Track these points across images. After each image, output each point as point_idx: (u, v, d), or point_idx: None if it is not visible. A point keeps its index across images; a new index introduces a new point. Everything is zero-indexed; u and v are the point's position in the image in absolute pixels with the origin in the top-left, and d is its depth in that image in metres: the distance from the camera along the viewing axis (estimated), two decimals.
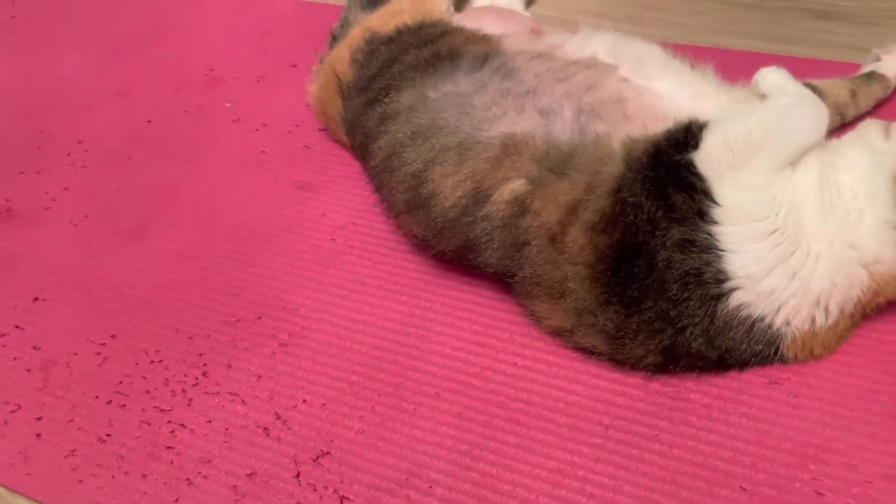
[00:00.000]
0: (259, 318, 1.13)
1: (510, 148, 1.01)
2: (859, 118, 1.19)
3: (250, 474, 0.98)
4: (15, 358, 1.15)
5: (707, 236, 0.90)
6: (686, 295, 0.91)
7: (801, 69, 1.20)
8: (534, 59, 1.13)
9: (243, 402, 1.04)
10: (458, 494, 0.92)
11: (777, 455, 0.89)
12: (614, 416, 0.95)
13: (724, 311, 0.91)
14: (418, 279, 1.14)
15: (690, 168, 0.92)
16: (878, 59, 1.25)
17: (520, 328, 1.05)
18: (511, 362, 1.02)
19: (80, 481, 1.00)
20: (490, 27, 1.22)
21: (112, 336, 1.15)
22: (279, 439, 1.00)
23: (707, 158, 0.92)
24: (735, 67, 1.14)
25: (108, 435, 1.04)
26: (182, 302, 1.18)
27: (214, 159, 1.40)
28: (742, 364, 0.95)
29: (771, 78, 1.04)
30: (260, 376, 1.07)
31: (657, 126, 0.99)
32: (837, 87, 1.19)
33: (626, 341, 0.94)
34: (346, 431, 0.99)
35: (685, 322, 0.91)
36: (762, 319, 0.92)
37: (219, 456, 1.00)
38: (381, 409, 1.01)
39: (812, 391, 0.93)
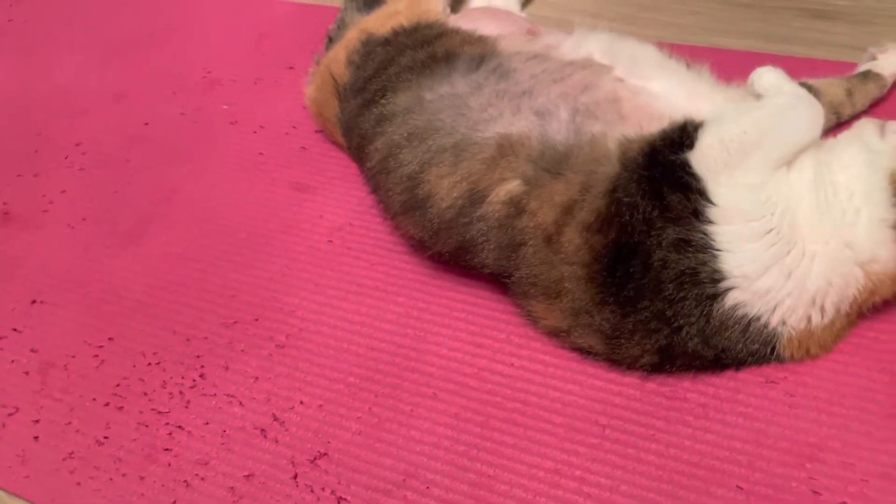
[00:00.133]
0: (256, 319, 1.14)
1: (506, 148, 1.01)
2: (855, 117, 1.19)
3: (248, 476, 0.98)
4: (13, 361, 1.16)
5: (703, 236, 0.90)
6: (682, 294, 0.91)
7: (798, 68, 1.20)
8: (530, 60, 1.13)
9: (241, 403, 1.05)
10: (456, 495, 0.92)
11: (773, 454, 0.89)
12: (611, 415, 0.95)
13: (720, 311, 0.91)
14: (415, 280, 1.14)
15: (686, 168, 0.92)
16: (874, 58, 1.25)
17: (516, 328, 1.05)
18: (508, 363, 1.02)
19: (78, 483, 1.00)
20: (486, 28, 1.22)
21: (110, 338, 1.15)
22: (276, 441, 1.00)
23: (702, 158, 0.92)
24: (731, 67, 1.14)
25: (105, 437, 1.04)
26: (179, 304, 1.18)
27: (212, 161, 1.40)
28: (738, 363, 0.95)
29: (767, 78, 1.05)
30: (257, 378, 1.07)
31: (653, 126, 0.99)
32: (833, 86, 1.19)
33: (623, 341, 0.95)
34: (343, 432, 1.00)
35: (681, 322, 0.91)
36: (758, 319, 0.92)
37: (216, 458, 1.00)
38: (379, 410, 1.01)
39: (808, 390, 0.94)
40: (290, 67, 1.54)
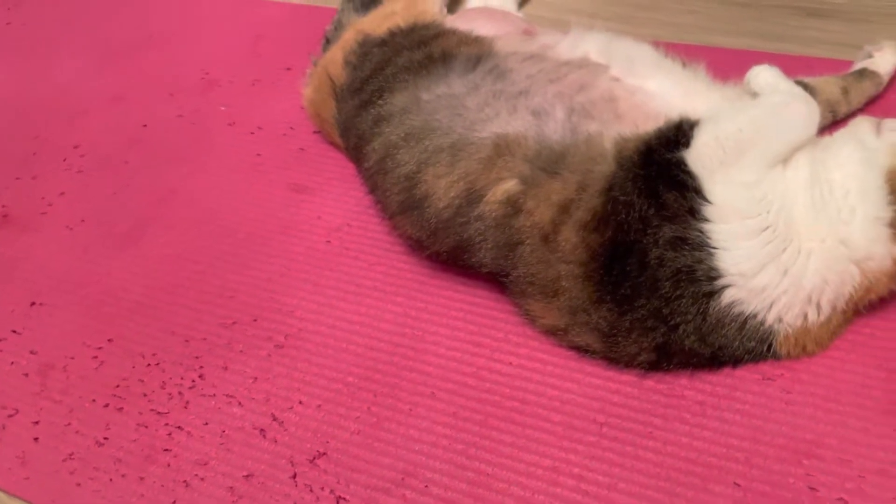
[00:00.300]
0: (255, 320, 1.14)
1: (502, 148, 1.01)
2: (851, 115, 1.19)
3: (247, 476, 0.98)
4: (12, 362, 1.16)
5: (699, 234, 0.91)
6: (678, 292, 0.91)
7: (794, 67, 1.21)
8: (526, 60, 1.14)
9: (240, 403, 1.05)
10: (454, 493, 0.92)
11: (770, 451, 0.90)
12: (609, 413, 0.96)
13: (717, 309, 0.91)
14: (413, 280, 1.14)
15: (681, 166, 0.92)
16: (869, 56, 1.25)
17: (514, 327, 1.05)
18: (506, 361, 1.03)
19: (78, 484, 1.00)
20: (482, 28, 1.22)
21: (109, 340, 1.16)
22: (276, 441, 1.00)
23: (698, 156, 0.93)
24: (727, 66, 1.15)
25: (105, 438, 1.05)
26: (178, 305, 1.18)
27: (210, 163, 1.40)
28: (735, 361, 0.96)
29: (763, 76, 1.05)
30: (256, 378, 1.07)
31: (648, 125, 0.99)
32: (829, 84, 1.19)
33: (620, 339, 0.95)
34: (342, 432, 1.00)
35: (678, 319, 0.92)
36: (754, 316, 0.92)
37: (215, 458, 1.00)
38: (377, 409, 1.01)
39: (805, 387, 0.94)
40: (288, 69, 1.54)
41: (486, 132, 1.04)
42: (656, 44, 1.18)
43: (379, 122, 1.14)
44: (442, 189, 1.03)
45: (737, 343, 0.94)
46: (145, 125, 1.50)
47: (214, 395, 1.06)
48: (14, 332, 1.20)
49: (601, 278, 0.94)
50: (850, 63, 1.27)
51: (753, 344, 0.94)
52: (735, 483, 0.88)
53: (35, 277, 1.27)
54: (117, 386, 1.10)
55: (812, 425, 0.91)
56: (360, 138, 1.18)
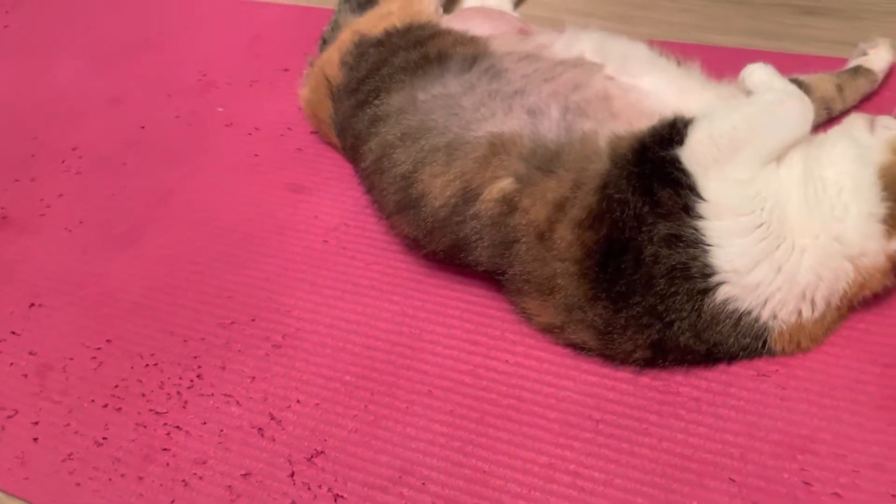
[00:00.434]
0: (253, 320, 1.14)
1: (498, 147, 1.02)
2: (846, 112, 1.20)
3: (245, 474, 0.98)
4: (11, 364, 1.16)
5: (693, 231, 0.91)
6: (673, 289, 0.92)
7: (789, 65, 1.21)
8: (521, 59, 1.14)
9: (238, 403, 1.05)
10: (451, 490, 0.93)
11: (765, 446, 0.90)
12: (605, 410, 0.96)
13: (711, 306, 0.92)
14: (410, 279, 1.15)
15: (676, 164, 0.93)
16: (864, 54, 1.26)
17: (511, 325, 1.06)
18: (502, 359, 1.03)
19: (78, 484, 1.01)
20: (478, 28, 1.23)
21: (107, 340, 1.16)
22: (273, 439, 1.01)
23: (692, 154, 0.93)
24: (722, 64, 1.15)
25: (104, 438, 1.05)
26: (176, 305, 1.19)
27: (208, 164, 1.41)
28: (730, 357, 0.96)
29: (757, 74, 1.05)
30: (254, 377, 1.08)
31: (643, 123, 0.99)
32: (824, 81, 1.20)
33: (615, 336, 0.95)
34: (339, 431, 1.00)
35: (673, 316, 0.92)
36: (749, 313, 0.93)
37: (214, 457, 1.01)
38: (375, 407, 1.02)
39: (800, 383, 0.94)
40: (285, 69, 1.54)
41: (482, 131, 1.04)
42: (652, 42, 1.18)
43: (375, 122, 1.15)
44: (438, 188, 1.04)
45: (732, 339, 0.94)
46: (143, 127, 1.51)
47: (213, 394, 1.07)
48: (13, 333, 1.20)
49: (596, 276, 0.94)
50: (845, 60, 1.27)
51: (748, 340, 0.94)
52: (730, 478, 0.88)
53: (34, 279, 1.28)
54: (116, 386, 1.10)
55: (807, 421, 0.91)
56: (357, 138, 1.18)
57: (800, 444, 0.90)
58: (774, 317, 0.94)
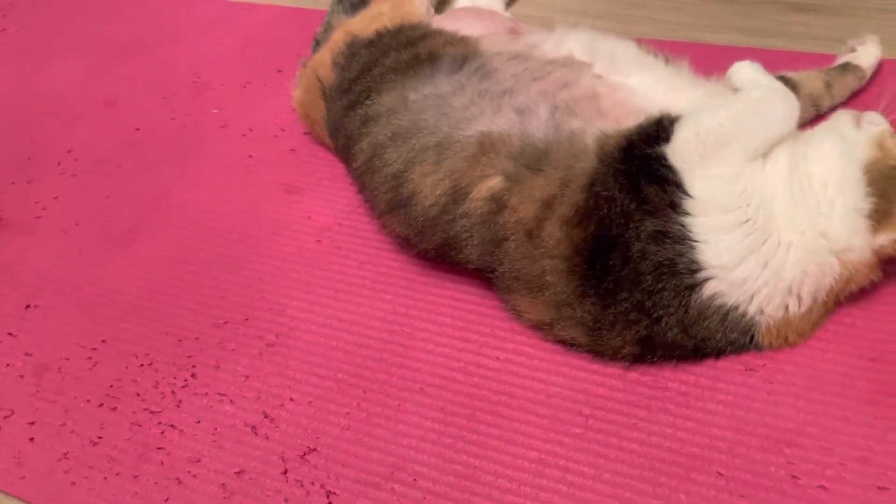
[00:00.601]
0: (246, 319, 1.15)
1: (487, 146, 1.02)
2: (835, 109, 1.20)
3: (239, 472, 0.99)
4: (8, 364, 1.17)
5: (680, 227, 0.92)
6: (660, 285, 0.92)
7: (779, 62, 1.22)
8: (511, 59, 1.15)
9: (231, 401, 1.06)
10: (442, 486, 0.94)
11: (753, 440, 0.91)
12: (594, 406, 0.97)
13: (698, 301, 0.93)
14: (402, 278, 1.15)
15: (662, 161, 0.94)
16: (853, 50, 1.27)
17: (501, 323, 1.07)
18: (493, 356, 1.04)
19: (73, 483, 1.02)
20: (468, 28, 1.24)
21: (103, 341, 1.17)
22: (267, 437, 1.02)
23: (678, 151, 0.94)
24: (714, 62, 1.15)
25: (99, 437, 1.06)
26: (171, 305, 1.20)
27: (202, 165, 1.42)
28: (718, 352, 0.97)
29: (744, 72, 1.06)
30: (248, 376, 1.09)
31: (630, 122, 1.00)
32: (812, 78, 1.21)
33: (604, 332, 0.96)
34: (332, 428, 1.01)
35: (660, 312, 0.93)
36: (736, 308, 0.94)
37: (208, 455, 1.02)
38: (367, 405, 1.03)
39: (787, 377, 0.95)
40: (279, 70, 1.55)
41: (472, 131, 1.05)
42: (643, 41, 1.19)
43: (367, 123, 1.15)
44: (428, 187, 1.05)
45: (719, 335, 0.95)
46: (138, 129, 1.52)
47: (207, 393, 1.08)
48: (10, 334, 1.21)
49: (585, 273, 0.95)
50: (834, 57, 1.28)
51: (736, 335, 0.95)
52: (718, 472, 0.89)
53: (30, 280, 1.29)
54: (111, 386, 1.11)
55: (794, 414, 0.92)
56: (349, 138, 1.19)
57: (787, 438, 0.90)
58: (761, 312, 0.94)
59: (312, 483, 0.97)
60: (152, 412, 1.07)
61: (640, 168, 0.94)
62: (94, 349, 1.16)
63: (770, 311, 0.95)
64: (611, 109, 1.05)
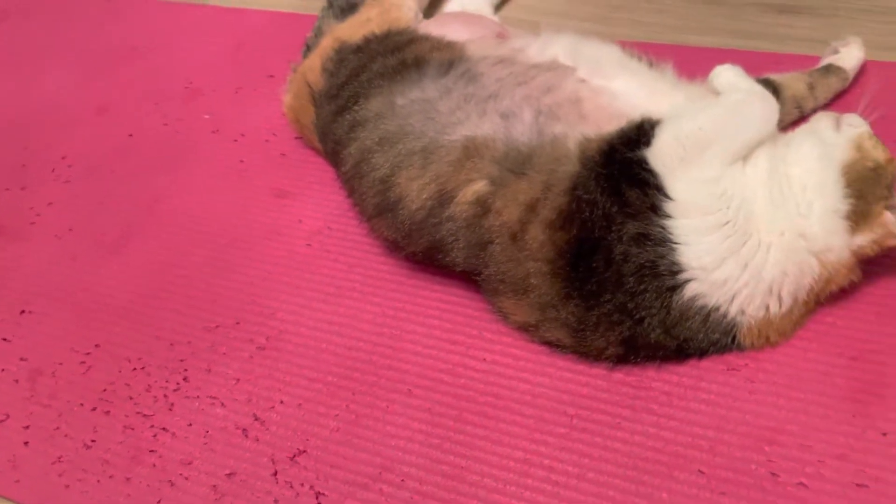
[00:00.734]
0: (237, 323, 1.17)
1: (472, 151, 1.04)
2: (819, 110, 1.22)
3: (230, 474, 1.01)
4: (3, 369, 1.19)
5: (661, 230, 0.94)
6: (642, 287, 0.94)
7: (764, 64, 1.24)
8: (496, 63, 1.16)
9: (223, 404, 1.08)
10: (429, 486, 0.95)
11: (734, 438, 0.92)
12: (579, 406, 0.99)
13: (680, 302, 0.94)
14: (391, 280, 1.17)
15: (643, 164, 0.95)
16: (836, 52, 1.28)
17: (488, 325, 1.08)
18: (480, 358, 1.06)
19: (67, 486, 1.03)
20: (454, 34, 1.25)
21: (96, 345, 1.19)
22: (257, 440, 1.03)
23: (659, 154, 0.96)
24: (699, 64, 1.17)
25: (93, 441, 1.08)
26: (163, 310, 1.21)
27: (195, 170, 1.43)
28: (701, 352, 0.99)
29: (724, 76, 1.07)
30: (238, 379, 1.10)
31: (612, 125, 1.02)
32: (796, 80, 1.22)
33: (588, 334, 0.98)
34: (321, 430, 1.03)
35: (643, 313, 0.95)
36: (717, 309, 0.95)
37: (199, 457, 1.03)
38: (356, 407, 1.04)
39: (768, 376, 0.97)
40: (270, 76, 1.57)
41: (457, 135, 1.07)
42: (628, 44, 1.21)
43: (355, 128, 1.17)
44: (415, 191, 1.06)
45: (701, 335, 0.96)
46: (131, 135, 1.53)
47: (198, 396, 1.09)
48: (4, 339, 1.23)
49: (568, 275, 0.97)
50: (818, 59, 1.29)
51: (717, 336, 0.97)
52: (699, 470, 0.91)
53: (24, 286, 1.30)
54: (104, 390, 1.13)
55: (774, 413, 0.94)
56: (338, 143, 1.21)
57: (768, 436, 0.92)
58: (742, 312, 0.96)
59: (302, 484, 0.98)
60: (145, 415, 1.09)
61: (621, 171, 0.95)
62: (88, 354, 1.18)
63: (751, 312, 0.96)
64: (593, 113, 1.07)
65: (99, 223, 1.38)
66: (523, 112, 1.07)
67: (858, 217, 0.95)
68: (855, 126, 1.00)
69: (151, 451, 1.05)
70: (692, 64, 1.18)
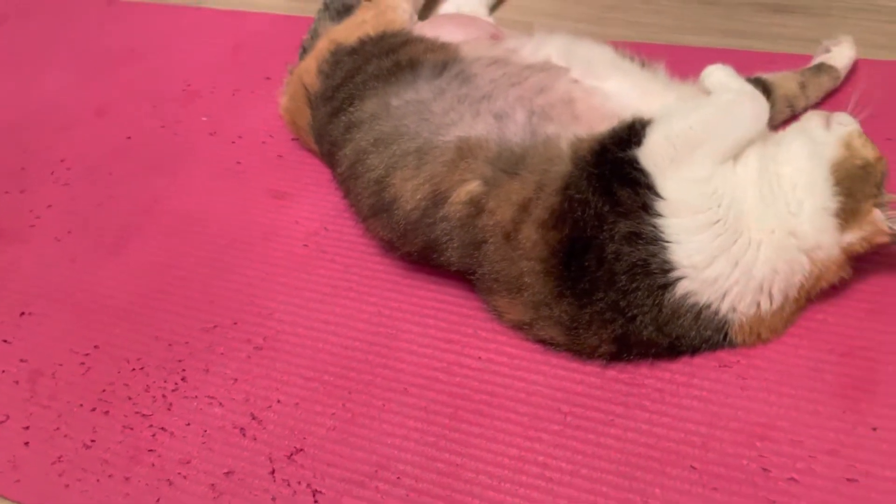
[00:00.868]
0: (235, 323, 1.18)
1: (465, 151, 1.05)
2: (811, 109, 1.23)
3: (228, 473, 1.02)
4: (3, 371, 1.20)
5: (652, 229, 0.94)
6: (634, 285, 0.95)
7: (757, 63, 1.25)
8: (490, 64, 1.17)
9: (220, 404, 1.09)
10: (425, 484, 0.96)
11: (726, 434, 0.93)
12: (573, 403, 1.00)
13: (672, 300, 0.95)
14: (387, 281, 1.18)
15: (634, 164, 0.96)
16: (827, 51, 1.29)
17: (483, 323, 1.09)
18: (475, 356, 1.07)
19: (67, 486, 1.04)
20: (449, 35, 1.26)
21: (95, 346, 1.20)
22: (255, 438, 1.04)
23: (650, 154, 0.97)
24: (694, 64, 1.17)
25: (92, 441, 1.09)
26: (162, 311, 1.22)
27: (192, 172, 1.44)
28: (693, 350, 1.00)
29: (715, 75, 1.08)
30: (236, 379, 1.11)
31: (604, 126, 1.03)
32: (787, 80, 1.23)
33: (581, 332, 0.99)
34: (318, 429, 1.04)
35: (635, 311, 0.96)
36: (709, 306, 0.96)
37: (197, 456, 1.04)
38: (352, 405, 1.05)
39: (759, 372, 0.98)
40: (267, 78, 1.58)
41: (451, 136, 1.08)
42: (623, 44, 1.22)
43: (350, 129, 1.18)
44: (409, 192, 1.07)
45: (693, 332, 0.97)
46: (129, 137, 1.54)
47: (196, 396, 1.10)
48: (4, 341, 1.24)
49: (561, 274, 0.98)
50: (810, 58, 1.30)
51: (709, 333, 0.98)
52: (691, 466, 0.92)
53: (24, 288, 1.31)
54: (103, 390, 1.14)
55: (766, 409, 0.95)
56: (333, 144, 1.22)
57: (759, 432, 0.93)
58: (734, 310, 0.97)
59: (299, 482, 0.99)
60: (143, 415, 1.10)
61: (612, 171, 0.96)
62: (87, 355, 1.19)
63: (742, 309, 0.97)
64: (585, 114, 1.08)
65: (98, 225, 1.39)
66: (516, 113, 1.08)
67: (848, 215, 0.96)
68: (845, 124, 1.01)
69: (150, 450, 1.06)
70: (685, 64, 1.19)
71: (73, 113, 1.63)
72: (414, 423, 1.02)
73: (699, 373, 0.99)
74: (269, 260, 1.26)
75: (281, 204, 1.34)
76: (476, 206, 1.02)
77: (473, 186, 1.03)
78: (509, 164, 1.02)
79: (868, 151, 0.97)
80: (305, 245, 1.26)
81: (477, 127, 1.07)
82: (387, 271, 1.19)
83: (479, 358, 1.06)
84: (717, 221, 0.95)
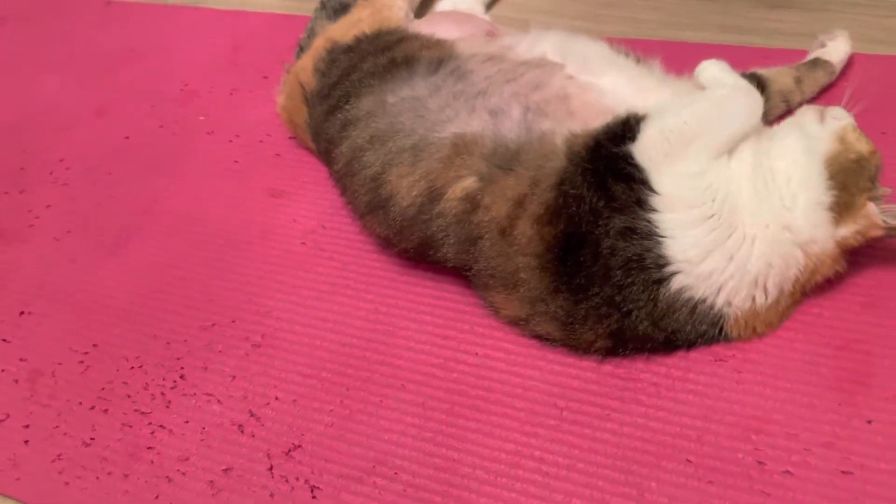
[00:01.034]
0: (233, 321, 1.18)
1: (461, 147, 1.05)
2: (807, 104, 1.23)
3: (226, 469, 1.02)
4: (3, 370, 1.20)
5: (647, 224, 0.95)
6: (629, 280, 0.95)
7: (753, 58, 1.25)
8: (486, 61, 1.18)
9: (219, 401, 1.09)
10: (422, 479, 0.97)
11: (721, 428, 0.94)
12: (569, 398, 1.00)
13: (667, 295, 0.96)
14: (384, 277, 1.18)
15: (628, 159, 0.96)
16: (823, 46, 1.29)
17: (480, 319, 1.10)
18: (472, 352, 1.07)
19: (66, 483, 1.05)
20: (444, 32, 1.26)
21: (94, 345, 1.20)
22: (253, 435, 1.05)
23: (644, 149, 0.97)
24: (690, 60, 1.17)
25: (91, 439, 1.09)
26: (160, 310, 1.23)
27: (191, 171, 1.45)
28: (688, 344, 1.00)
29: (710, 70, 1.09)
30: (234, 377, 1.11)
31: (599, 122, 1.03)
32: (783, 74, 1.23)
33: (577, 327, 0.99)
34: (316, 425, 1.04)
35: (630, 306, 0.96)
36: (704, 301, 0.96)
37: (196, 454, 1.04)
38: (350, 402, 1.06)
39: (755, 366, 0.98)
40: (265, 77, 1.58)
41: (446, 132, 1.08)
42: (619, 40, 1.22)
43: (346, 126, 1.18)
44: (405, 188, 1.07)
45: (689, 327, 0.98)
46: (128, 137, 1.55)
47: (195, 394, 1.11)
48: (4, 340, 1.24)
49: (556, 269, 0.98)
50: (806, 52, 1.30)
51: (705, 327, 0.98)
52: (687, 460, 0.92)
53: (24, 288, 1.32)
54: (102, 389, 1.14)
55: (761, 402, 0.95)
56: (330, 142, 1.22)
57: (754, 426, 0.93)
58: (729, 304, 0.97)
59: (297, 478, 1.00)
60: (143, 413, 1.10)
61: (607, 167, 0.97)
62: (86, 353, 1.19)
63: (737, 303, 0.97)
64: (580, 110, 1.08)
65: (97, 225, 1.39)
66: (512, 109, 1.08)
67: (842, 208, 0.96)
68: (839, 119, 1.02)
69: (149, 447, 1.06)
70: (680, 60, 1.19)
71: (73, 113, 1.63)
72: (411, 418, 1.02)
73: (695, 367, 0.99)
74: (267, 258, 1.26)
75: (278, 202, 1.35)
76: (472, 203, 1.03)
77: (469, 183, 1.03)
78: (504, 160, 1.03)
79: (862, 145, 0.98)
80: (303, 243, 1.26)
81: (472, 123, 1.08)
82: (384, 268, 1.19)
83: (476, 354, 1.07)
84: (712, 216, 0.95)
